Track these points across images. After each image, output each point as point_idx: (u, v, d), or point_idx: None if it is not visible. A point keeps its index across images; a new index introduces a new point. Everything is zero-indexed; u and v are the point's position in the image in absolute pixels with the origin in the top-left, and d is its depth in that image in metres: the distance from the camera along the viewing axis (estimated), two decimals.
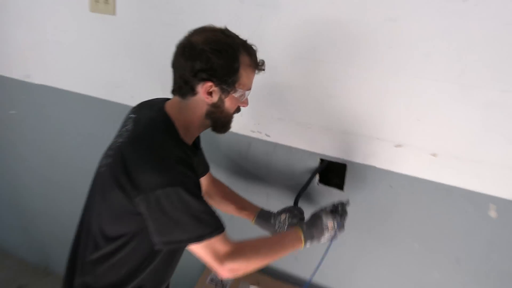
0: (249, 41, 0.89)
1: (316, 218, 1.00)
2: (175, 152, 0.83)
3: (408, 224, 1.17)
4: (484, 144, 1.01)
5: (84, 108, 1.65)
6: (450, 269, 1.15)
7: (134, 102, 1.04)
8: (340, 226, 1.00)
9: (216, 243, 0.83)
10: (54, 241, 2.01)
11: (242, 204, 1.21)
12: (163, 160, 0.80)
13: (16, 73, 1.75)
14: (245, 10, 1.20)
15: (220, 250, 0.83)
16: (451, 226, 1.11)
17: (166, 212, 0.78)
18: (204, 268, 1.44)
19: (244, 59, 0.86)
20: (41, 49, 1.64)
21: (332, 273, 1.33)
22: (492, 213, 1.05)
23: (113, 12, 1.43)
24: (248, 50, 0.88)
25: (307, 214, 1.08)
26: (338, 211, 1.03)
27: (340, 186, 1.24)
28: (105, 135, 1.10)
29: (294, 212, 1.14)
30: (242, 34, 0.89)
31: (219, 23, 0.90)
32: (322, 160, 1.23)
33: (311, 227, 0.98)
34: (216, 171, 1.28)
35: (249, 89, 0.92)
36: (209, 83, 0.84)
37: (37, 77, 1.71)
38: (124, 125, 0.95)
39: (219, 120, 0.92)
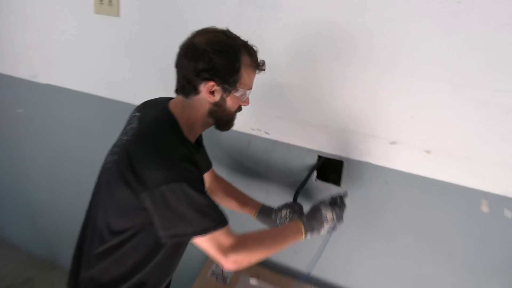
0: (250, 42, 0.91)
1: (315, 210, 1.01)
2: (179, 149, 0.84)
3: (403, 218, 1.18)
4: (477, 141, 1.03)
5: (89, 106, 1.65)
6: (443, 262, 1.16)
7: (137, 101, 1.05)
8: (339, 218, 1.01)
9: (220, 236, 0.83)
10: (60, 236, 2.02)
11: (244, 200, 1.22)
12: (167, 157, 0.81)
13: (23, 73, 1.76)
14: (245, 11, 1.20)
15: (224, 243, 0.84)
16: (445, 221, 1.13)
17: (171, 207, 0.79)
18: (205, 262, 1.45)
19: (245, 59, 0.87)
20: (47, 49, 1.65)
21: (330, 266, 1.34)
22: (484, 208, 1.06)
23: (117, 14, 1.44)
24: (249, 50, 0.89)
25: (305, 210, 1.09)
26: (337, 203, 1.04)
27: (337, 182, 1.25)
28: (109, 133, 1.11)
29: (295, 208, 1.15)
30: (242, 34, 0.90)
31: (219, 24, 0.91)
32: (319, 157, 1.24)
33: (311, 219, 0.99)
34: (217, 168, 1.28)
35: (250, 88, 0.93)
36: (211, 83, 0.85)
37: (43, 77, 1.71)
38: (129, 123, 0.96)
39: (221, 119, 0.93)
